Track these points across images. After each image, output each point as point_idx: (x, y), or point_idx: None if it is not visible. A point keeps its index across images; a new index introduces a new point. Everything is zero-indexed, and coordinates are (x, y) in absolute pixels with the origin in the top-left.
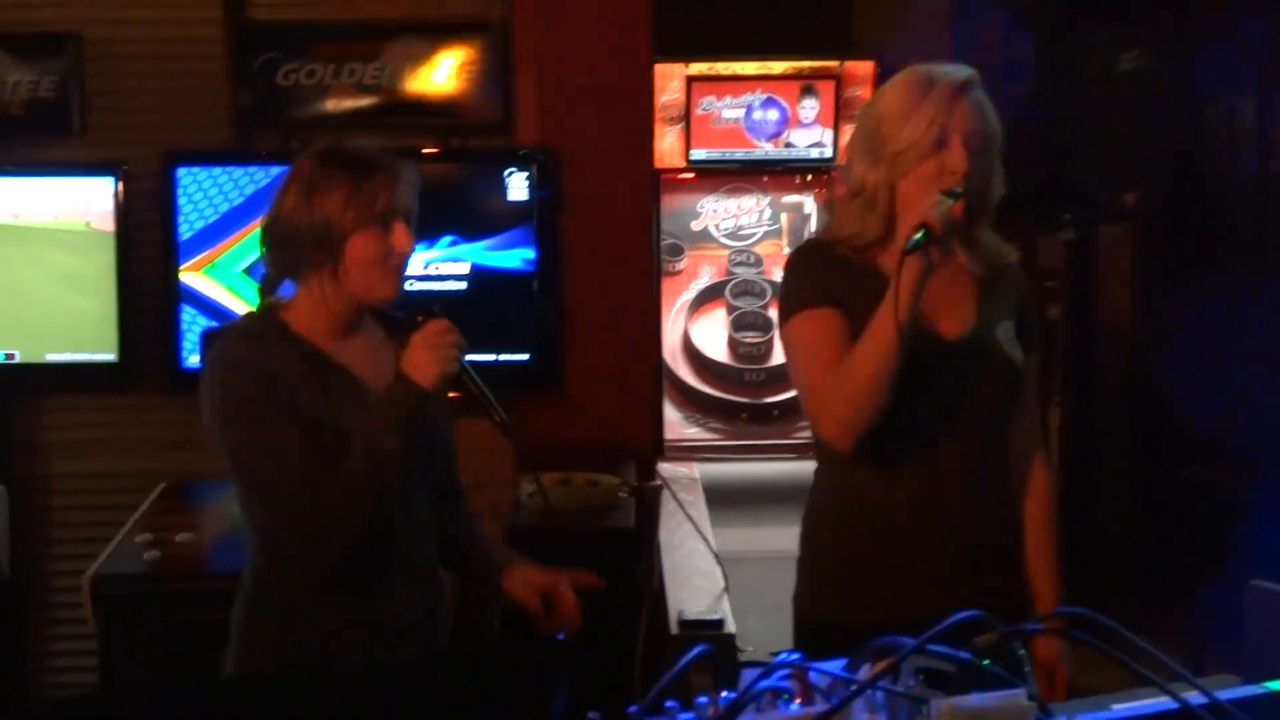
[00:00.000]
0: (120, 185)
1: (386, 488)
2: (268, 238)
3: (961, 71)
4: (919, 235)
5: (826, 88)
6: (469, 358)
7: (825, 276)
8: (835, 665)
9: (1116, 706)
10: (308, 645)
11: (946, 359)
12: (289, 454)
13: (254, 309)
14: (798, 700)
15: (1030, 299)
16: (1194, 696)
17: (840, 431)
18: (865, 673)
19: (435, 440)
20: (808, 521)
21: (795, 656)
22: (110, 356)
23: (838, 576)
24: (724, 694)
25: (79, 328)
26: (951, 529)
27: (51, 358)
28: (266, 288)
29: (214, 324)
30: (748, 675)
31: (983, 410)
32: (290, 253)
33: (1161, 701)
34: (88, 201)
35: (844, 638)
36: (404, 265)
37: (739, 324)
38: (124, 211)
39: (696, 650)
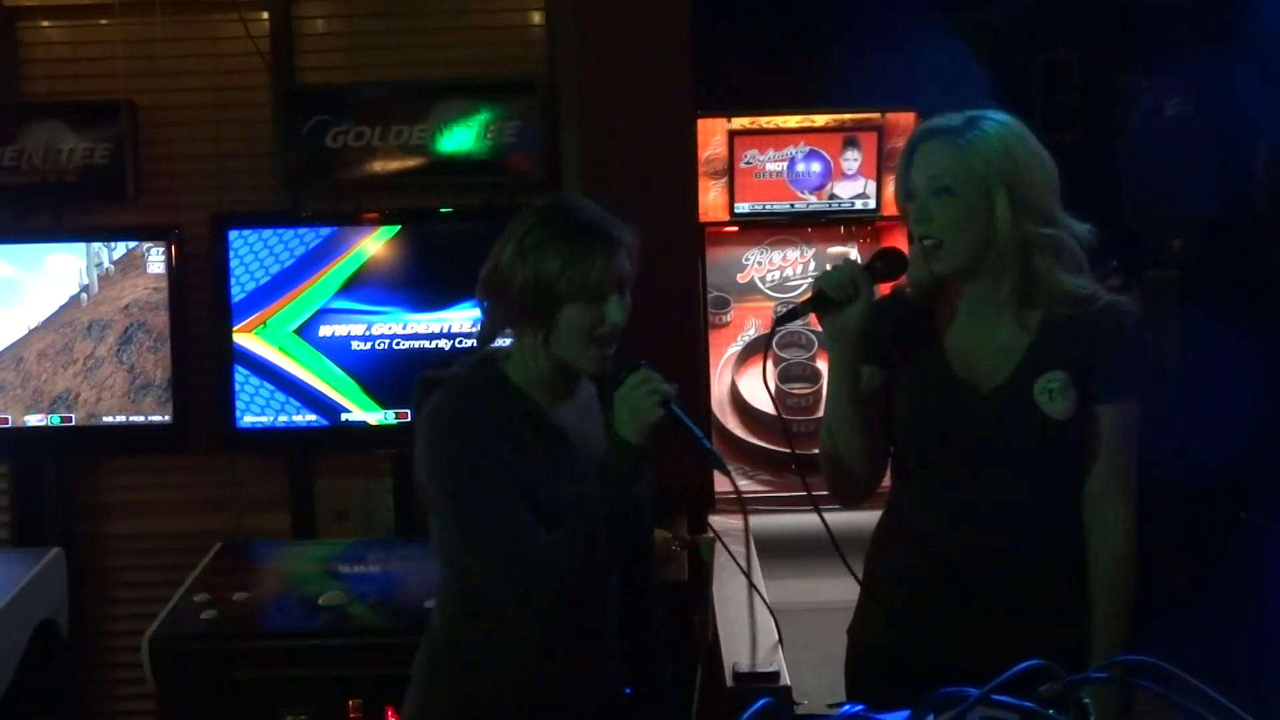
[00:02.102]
0: (174, 249)
1: (596, 554)
2: (485, 288)
3: (936, 121)
4: (800, 305)
5: (869, 139)
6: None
7: (879, 332)
8: (899, 716)
9: None
10: (489, 696)
11: (977, 410)
12: (507, 510)
13: (471, 359)
14: None
15: (1112, 346)
16: None
17: (826, 482)
18: None
19: (634, 511)
20: (865, 557)
21: (859, 709)
22: (165, 418)
23: (881, 610)
24: None
25: (134, 390)
26: (973, 575)
27: (107, 420)
28: (484, 338)
29: (431, 370)
30: None
31: (1018, 462)
32: (504, 307)
33: None
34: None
35: (886, 667)
36: (614, 336)
37: (786, 375)
38: (177, 275)
39: (761, 703)
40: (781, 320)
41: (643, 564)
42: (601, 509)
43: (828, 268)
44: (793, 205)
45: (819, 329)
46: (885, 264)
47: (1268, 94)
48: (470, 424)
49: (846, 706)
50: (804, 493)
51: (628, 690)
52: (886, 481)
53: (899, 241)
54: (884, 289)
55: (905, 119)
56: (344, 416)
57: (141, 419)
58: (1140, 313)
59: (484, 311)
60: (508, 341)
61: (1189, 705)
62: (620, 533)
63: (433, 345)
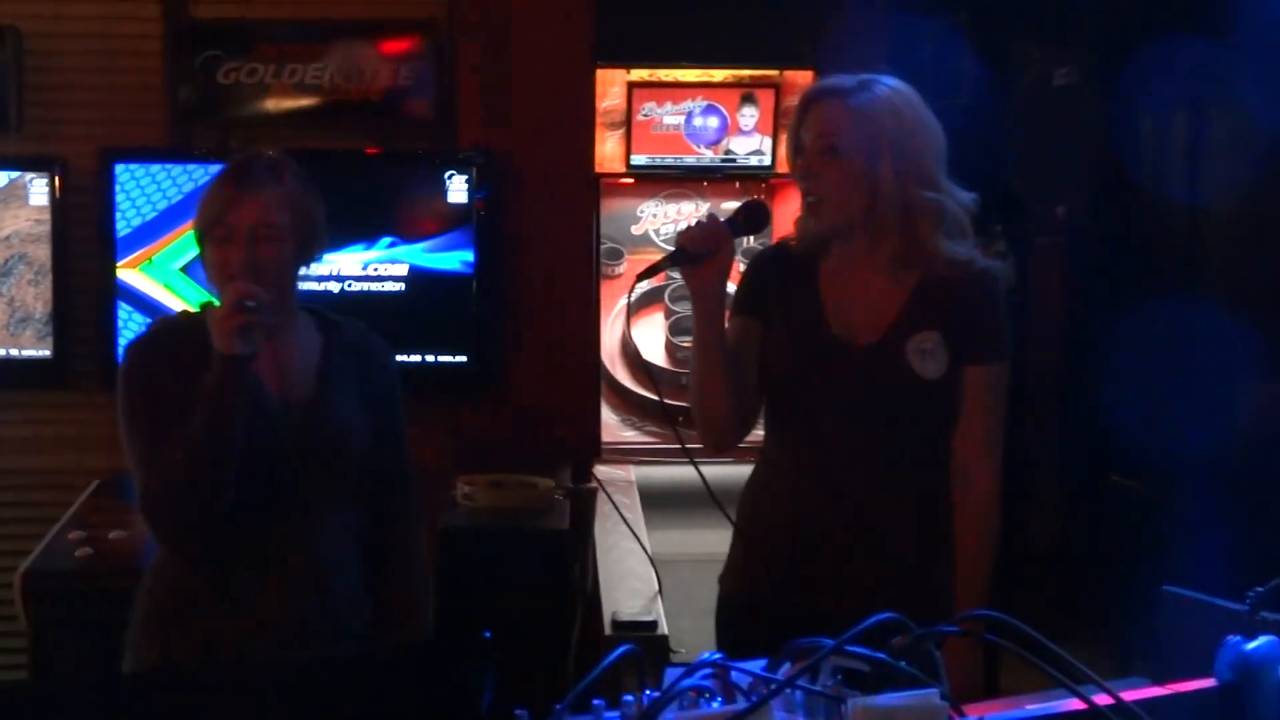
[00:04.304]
0: (58, 181)
1: (204, 472)
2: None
3: (830, 81)
4: (661, 261)
5: (766, 96)
6: None
7: (761, 283)
8: (756, 665)
9: (1029, 707)
10: (181, 643)
11: (849, 365)
12: (144, 448)
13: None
14: (719, 698)
15: (985, 310)
16: (1102, 697)
17: (696, 430)
18: (786, 672)
19: (343, 450)
20: (738, 506)
21: (718, 656)
22: (45, 353)
23: (750, 559)
24: (650, 693)
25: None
26: (838, 526)
27: None
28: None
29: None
30: (671, 674)
31: (888, 418)
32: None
33: (1072, 703)
34: None
35: (754, 615)
36: (227, 278)
37: (677, 328)
38: (61, 207)
39: (621, 649)
40: (643, 276)
41: (391, 503)
42: (204, 427)
43: (689, 223)
44: (689, 159)
45: None
46: (748, 218)
47: (1155, 66)
48: (137, 366)
49: (705, 654)
50: (689, 445)
51: (487, 634)
52: (761, 432)
53: (793, 199)
54: (774, 240)
55: (803, 77)
56: None
57: (20, 353)
58: (1014, 279)
59: None
60: None
61: (1035, 660)
62: (313, 472)
63: (321, 287)
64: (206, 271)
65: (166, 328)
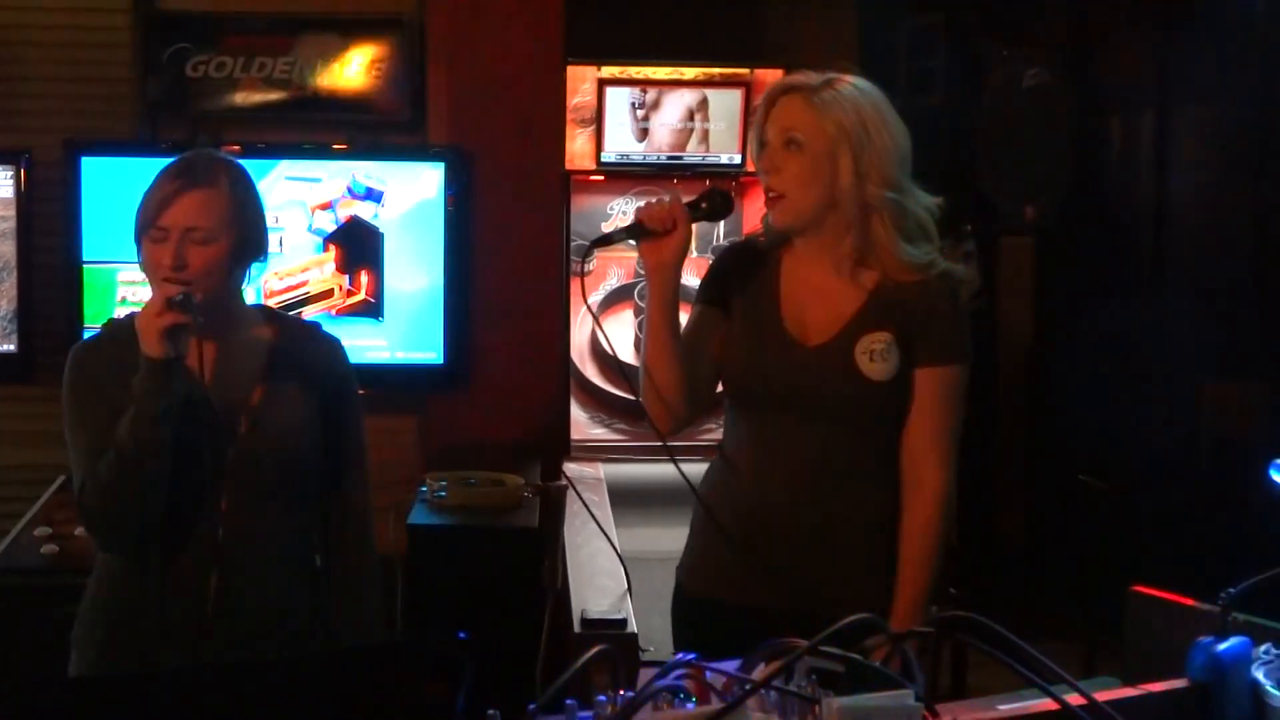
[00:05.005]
0: (23, 174)
1: (131, 475)
2: None
3: (795, 78)
4: (617, 231)
5: (736, 94)
6: None
7: (726, 275)
8: (730, 665)
9: (1001, 706)
10: (123, 643)
11: (801, 365)
12: (84, 451)
13: None
14: (694, 699)
15: (940, 313)
16: (1075, 698)
17: (646, 410)
18: (759, 672)
19: (283, 451)
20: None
21: (693, 656)
22: (10, 347)
23: (699, 552)
24: (623, 693)
25: None
26: (790, 523)
27: None
28: None
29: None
30: (646, 674)
31: (838, 418)
32: None
33: (1044, 702)
34: None
35: (706, 609)
36: (158, 280)
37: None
38: (26, 201)
39: (595, 650)
40: (596, 243)
41: (339, 502)
42: (131, 431)
43: (649, 200)
44: (659, 157)
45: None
46: (710, 204)
47: (1123, 68)
48: (78, 368)
49: (680, 655)
50: (658, 442)
51: (462, 636)
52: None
53: (762, 197)
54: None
55: (773, 75)
56: None
57: None
58: (978, 282)
59: None
60: None
61: (1008, 660)
62: (252, 469)
63: None
64: (142, 271)
65: (114, 330)
